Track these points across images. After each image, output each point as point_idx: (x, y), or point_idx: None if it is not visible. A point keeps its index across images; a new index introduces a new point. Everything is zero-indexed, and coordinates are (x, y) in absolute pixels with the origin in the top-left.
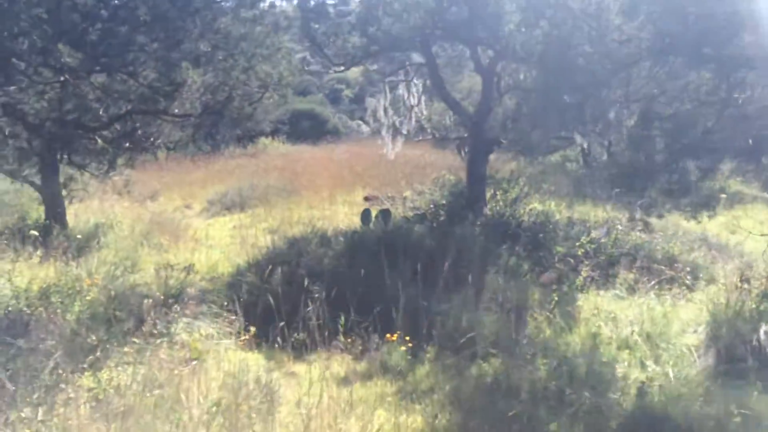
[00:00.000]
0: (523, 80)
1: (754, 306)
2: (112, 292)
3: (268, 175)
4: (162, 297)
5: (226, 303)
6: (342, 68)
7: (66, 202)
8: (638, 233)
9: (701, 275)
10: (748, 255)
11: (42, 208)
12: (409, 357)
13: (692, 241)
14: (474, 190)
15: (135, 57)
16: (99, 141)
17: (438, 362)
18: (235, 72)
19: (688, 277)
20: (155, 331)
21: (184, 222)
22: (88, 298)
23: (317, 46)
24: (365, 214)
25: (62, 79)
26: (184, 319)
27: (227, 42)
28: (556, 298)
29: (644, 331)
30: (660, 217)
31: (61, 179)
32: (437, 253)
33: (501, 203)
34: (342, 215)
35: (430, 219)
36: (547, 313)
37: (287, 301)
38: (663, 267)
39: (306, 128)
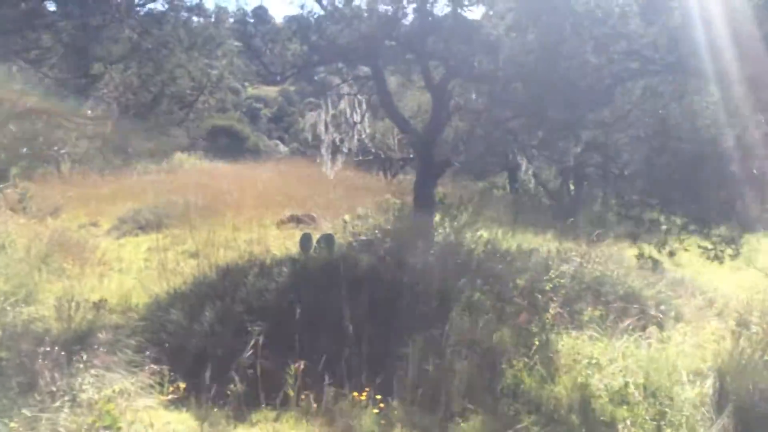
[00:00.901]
0: (475, 100)
1: (764, 356)
2: None
3: (187, 193)
4: (63, 342)
5: (146, 350)
6: (278, 78)
7: None
8: (595, 267)
9: (670, 312)
10: (708, 290)
11: None
12: (383, 422)
13: (648, 275)
14: (422, 215)
15: (39, 39)
16: None
17: (410, 424)
18: (169, 65)
19: (660, 315)
20: (54, 389)
21: (91, 242)
22: None
23: (253, 52)
24: (305, 239)
25: None
26: (93, 371)
27: (161, 27)
28: (537, 342)
29: (638, 382)
30: (672, 255)
31: None
32: (392, 287)
33: (448, 230)
34: (273, 239)
35: (377, 246)
36: (525, 359)
37: (221, 345)
38: (627, 304)
39: (224, 145)
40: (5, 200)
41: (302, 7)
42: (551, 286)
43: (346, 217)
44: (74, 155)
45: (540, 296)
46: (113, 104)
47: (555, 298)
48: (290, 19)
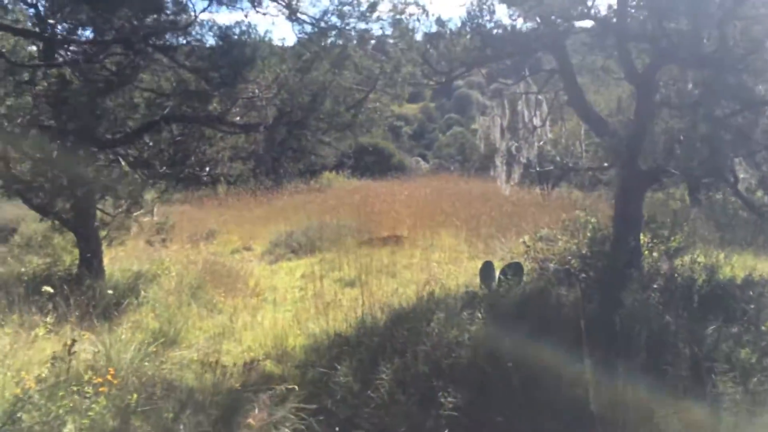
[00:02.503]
0: (690, 91)
1: None
2: (134, 397)
3: (339, 213)
4: (208, 414)
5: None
6: (444, 79)
7: (104, 245)
8: None
9: None
10: None
11: (78, 251)
12: None
13: None
14: (627, 238)
15: (174, 18)
16: (123, 164)
17: None
18: (331, 55)
19: None
20: None
21: (244, 270)
22: (95, 407)
23: (416, 50)
24: (487, 270)
25: (59, 58)
26: None
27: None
28: None
29: None
30: None
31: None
32: (614, 336)
33: (657, 255)
34: (437, 263)
35: (575, 277)
36: None
37: (404, 420)
38: None
39: (370, 163)
40: (140, 230)
41: None
42: None
43: (526, 239)
44: (229, 177)
45: None
46: (266, 108)
47: None
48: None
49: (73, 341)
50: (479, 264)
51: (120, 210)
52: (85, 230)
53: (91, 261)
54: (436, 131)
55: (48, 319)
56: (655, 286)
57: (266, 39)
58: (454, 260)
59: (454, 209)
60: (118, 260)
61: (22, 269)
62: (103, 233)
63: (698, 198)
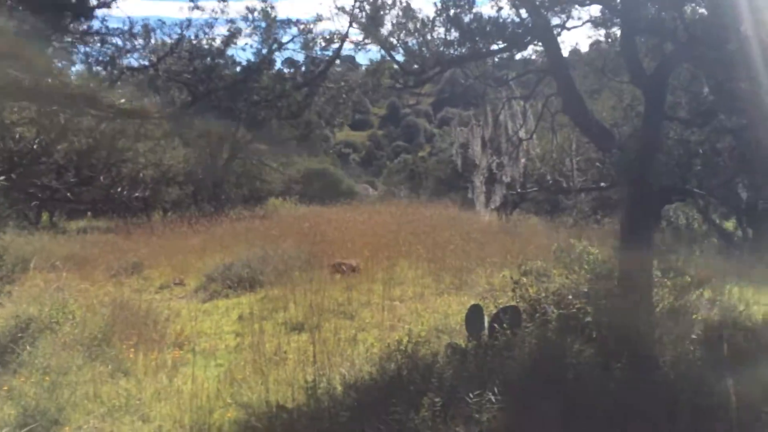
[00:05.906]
0: (705, 96)
1: None
2: None
3: (286, 242)
4: None
5: None
6: (412, 82)
7: None
8: None
9: None
10: None
11: None
12: None
13: None
14: (637, 271)
15: None
16: None
17: None
18: None
19: None
20: None
21: (168, 310)
22: None
23: (382, 46)
24: (474, 315)
25: None
26: None
27: None
28: None
29: None
30: None
31: None
32: (651, 411)
33: (667, 292)
34: (399, 302)
35: (581, 321)
36: None
37: None
38: None
39: (318, 189)
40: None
41: None
42: None
43: (509, 274)
44: (165, 204)
45: None
46: (170, 85)
47: None
48: None
49: None
50: (448, 301)
51: None
52: None
53: None
54: (384, 158)
55: None
56: (694, 337)
57: None
58: (420, 297)
59: (413, 237)
60: (12, 301)
61: None
62: None
63: (714, 222)
